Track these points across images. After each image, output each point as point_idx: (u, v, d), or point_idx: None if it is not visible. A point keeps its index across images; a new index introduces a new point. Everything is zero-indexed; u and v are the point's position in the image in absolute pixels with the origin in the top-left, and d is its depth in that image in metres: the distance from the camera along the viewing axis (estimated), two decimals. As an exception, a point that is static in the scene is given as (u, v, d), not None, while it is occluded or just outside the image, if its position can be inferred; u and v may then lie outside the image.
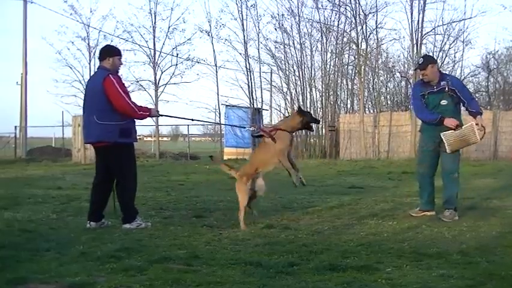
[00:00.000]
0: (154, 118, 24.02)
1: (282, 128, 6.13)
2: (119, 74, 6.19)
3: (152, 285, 3.66)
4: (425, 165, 6.63)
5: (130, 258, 4.40)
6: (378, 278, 3.82)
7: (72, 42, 25.35)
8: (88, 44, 25.28)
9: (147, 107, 6.16)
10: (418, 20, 22.96)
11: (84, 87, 6.39)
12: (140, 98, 25.48)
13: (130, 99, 5.92)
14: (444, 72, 6.85)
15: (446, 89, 6.36)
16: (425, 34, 23.57)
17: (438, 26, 24.27)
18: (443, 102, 6.37)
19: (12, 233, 5.63)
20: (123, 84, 6.02)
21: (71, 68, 25.69)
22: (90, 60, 25.06)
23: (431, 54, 26.15)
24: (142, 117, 6.12)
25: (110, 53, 6.07)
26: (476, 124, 6.29)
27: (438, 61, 25.08)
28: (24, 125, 25.22)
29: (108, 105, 5.80)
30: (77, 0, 30.61)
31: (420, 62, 6.56)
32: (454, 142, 6.31)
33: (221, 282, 3.72)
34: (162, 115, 7.02)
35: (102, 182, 6.08)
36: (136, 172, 6.11)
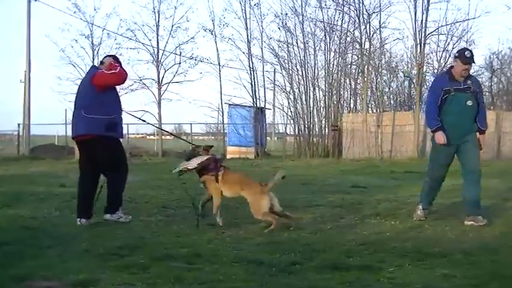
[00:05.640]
0: (157, 116, 24.18)
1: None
2: (119, 59, 6.30)
3: (154, 283, 3.66)
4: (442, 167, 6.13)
5: (133, 256, 4.40)
6: (380, 278, 3.82)
7: (76, 40, 25.37)
8: (91, 42, 25.27)
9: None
10: (422, 20, 22.87)
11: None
12: (143, 97, 25.47)
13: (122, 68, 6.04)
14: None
15: (472, 89, 5.89)
16: (428, 34, 23.47)
17: (442, 26, 24.17)
18: (469, 102, 5.87)
19: (15, 230, 5.64)
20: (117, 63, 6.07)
21: (74, 66, 25.68)
22: (93, 59, 25.04)
23: (434, 54, 26.19)
24: (123, 75, 6.11)
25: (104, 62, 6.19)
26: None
27: (441, 61, 25.24)
28: (27, 123, 25.20)
29: (95, 99, 5.89)
30: (81, -2, 30.57)
31: (468, 56, 5.90)
32: None
33: (223, 281, 3.72)
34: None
35: (88, 179, 6.10)
36: (127, 167, 6.23)
